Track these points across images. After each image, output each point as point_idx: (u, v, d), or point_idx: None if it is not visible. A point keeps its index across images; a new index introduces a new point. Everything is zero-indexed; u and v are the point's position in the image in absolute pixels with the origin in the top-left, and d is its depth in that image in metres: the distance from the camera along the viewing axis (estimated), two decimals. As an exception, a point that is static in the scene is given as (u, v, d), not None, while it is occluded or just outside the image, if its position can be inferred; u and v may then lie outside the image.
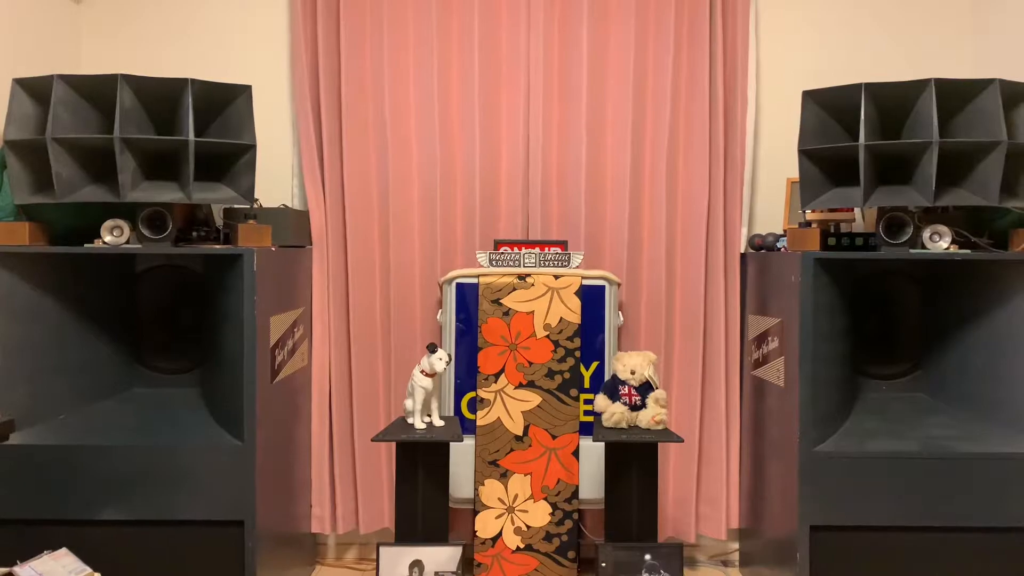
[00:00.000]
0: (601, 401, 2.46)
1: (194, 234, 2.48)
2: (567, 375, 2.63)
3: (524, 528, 2.61)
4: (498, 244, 2.75)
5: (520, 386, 2.63)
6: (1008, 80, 2.26)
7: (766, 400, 2.66)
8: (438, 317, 2.79)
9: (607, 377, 2.68)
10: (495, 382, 2.63)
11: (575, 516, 2.62)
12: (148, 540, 2.33)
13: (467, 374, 2.72)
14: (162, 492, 2.31)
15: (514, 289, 2.65)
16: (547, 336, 2.63)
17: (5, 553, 2.18)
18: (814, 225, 2.54)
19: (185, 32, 2.98)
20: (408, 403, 2.46)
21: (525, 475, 2.61)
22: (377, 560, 2.39)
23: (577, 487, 2.62)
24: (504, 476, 2.61)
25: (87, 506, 2.30)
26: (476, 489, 2.62)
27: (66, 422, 2.40)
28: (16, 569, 1.94)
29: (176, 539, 2.33)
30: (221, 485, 2.31)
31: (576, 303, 2.64)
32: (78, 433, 2.35)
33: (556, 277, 2.66)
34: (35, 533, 2.28)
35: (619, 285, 2.79)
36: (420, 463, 2.47)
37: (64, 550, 2.05)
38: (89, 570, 2.04)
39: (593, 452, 2.71)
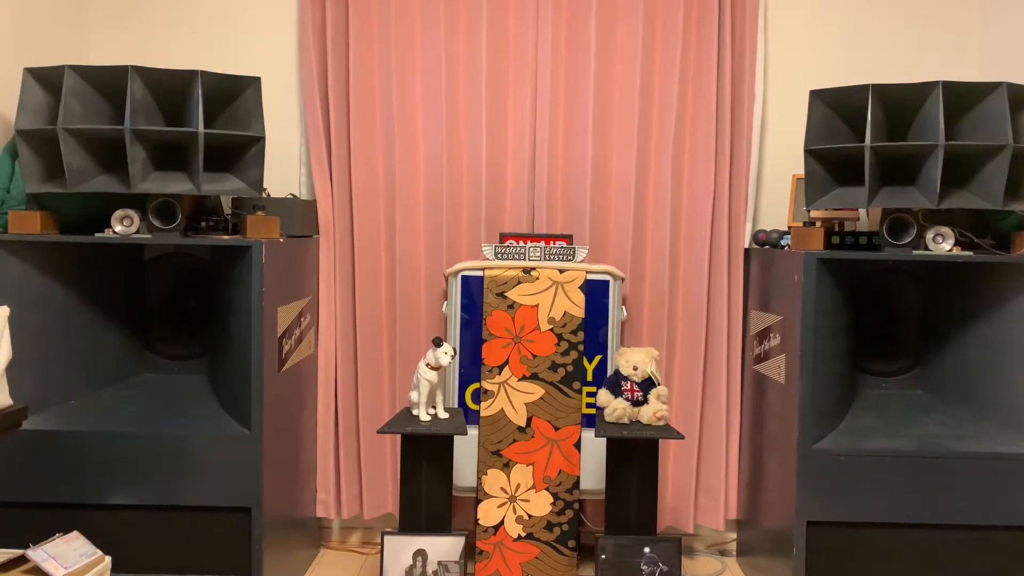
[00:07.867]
0: (603, 396, 2.49)
1: (203, 223, 2.50)
2: (570, 368, 2.66)
3: (526, 517, 2.65)
4: (503, 237, 2.77)
5: (524, 378, 2.66)
6: (1015, 83, 2.26)
7: (766, 395, 2.69)
8: (443, 309, 2.81)
9: (609, 371, 2.71)
10: (499, 374, 2.66)
11: (576, 506, 2.66)
12: (157, 525, 2.37)
13: (471, 365, 2.75)
14: (171, 478, 2.35)
15: (519, 282, 2.67)
16: (551, 329, 2.66)
17: (18, 536, 2.22)
18: (818, 224, 2.55)
19: (193, 23, 2.98)
20: (413, 395, 2.49)
21: (527, 465, 2.65)
22: (381, 549, 2.43)
23: (578, 478, 2.65)
24: (507, 466, 2.65)
25: (97, 491, 2.34)
26: (479, 478, 2.66)
27: (76, 408, 2.43)
28: (29, 552, 1.97)
29: (184, 524, 2.37)
30: (228, 473, 2.35)
31: (580, 297, 2.66)
32: (88, 419, 2.38)
33: (561, 271, 2.68)
34: (47, 517, 2.32)
35: (623, 280, 2.81)
36: (424, 455, 2.51)
37: (75, 533, 2.08)
38: (100, 553, 2.07)
39: (594, 444, 2.74)
